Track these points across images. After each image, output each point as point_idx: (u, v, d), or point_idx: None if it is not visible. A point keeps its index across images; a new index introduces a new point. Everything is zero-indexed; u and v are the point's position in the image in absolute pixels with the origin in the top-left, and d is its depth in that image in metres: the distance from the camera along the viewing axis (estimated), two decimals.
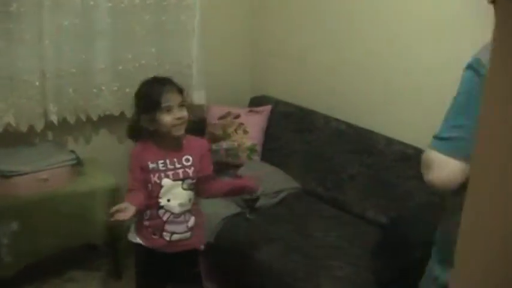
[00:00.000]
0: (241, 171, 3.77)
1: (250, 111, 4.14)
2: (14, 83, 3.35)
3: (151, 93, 2.56)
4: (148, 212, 2.64)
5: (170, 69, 3.82)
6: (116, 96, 3.72)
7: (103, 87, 3.66)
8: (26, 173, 3.25)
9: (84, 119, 3.67)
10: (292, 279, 2.93)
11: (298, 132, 3.95)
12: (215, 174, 2.89)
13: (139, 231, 2.71)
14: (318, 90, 4.01)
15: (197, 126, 4.06)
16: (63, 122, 3.61)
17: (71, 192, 3.38)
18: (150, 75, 3.77)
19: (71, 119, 3.61)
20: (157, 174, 2.59)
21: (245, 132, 4.03)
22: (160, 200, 2.61)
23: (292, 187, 3.75)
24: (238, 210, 3.48)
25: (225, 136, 4.03)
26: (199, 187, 2.73)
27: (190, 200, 2.69)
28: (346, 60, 3.75)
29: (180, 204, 2.64)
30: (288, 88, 4.25)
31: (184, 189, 2.65)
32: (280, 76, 4.36)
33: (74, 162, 3.44)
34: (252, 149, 4.01)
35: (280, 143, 4.02)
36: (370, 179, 3.48)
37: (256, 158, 4.02)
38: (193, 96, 4.01)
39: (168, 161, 2.61)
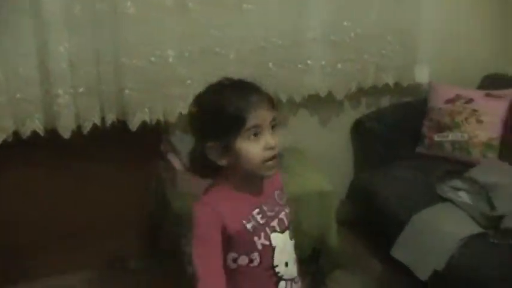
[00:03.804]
0: (476, 172, 3.03)
1: (487, 95, 3.33)
2: (204, 56, 2.85)
3: (229, 107, 1.59)
4: None
5: (392, 41, 3.23)
6: (323, 73, 3.14)
7: (309, 62, 3.08)
8: None
9: (284, 99, 3.11)
10: None
11: None
12: None
13: None
14: None
15: (417, 110, 3.44)
16: None
17: None
18: (366, 47, 3.23)
19: None
20: (262, 234, 1.69)
21: (479, 122, 3.25)
22: (277, 270, 1.73)
23: None
24: (479, 230, 2.74)
25: (453, 125, 3.28)
26: None
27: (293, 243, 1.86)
28: None
29: (294, 261, 1.82)
30: None
31: (292, 238, 1.80)
32: None
33: None
34: (488, 145, 3.22)
35: None
36: None
37: (492, 156, 3.23)
38: (415, 72, 3.34)
39: (264, 207, 1.72)
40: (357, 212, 3.45)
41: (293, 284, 1.79)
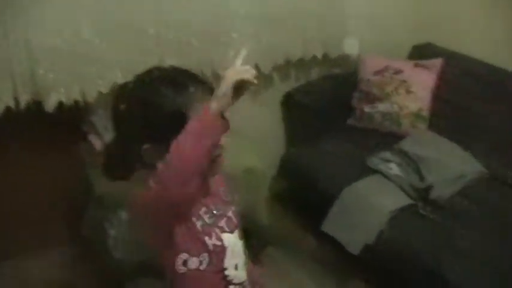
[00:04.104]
0: (406, 143, 3.01)
1: (416, 65, 3.30)
2: (121, 32, 2.70)
3: (165, 104, 1.41)
4: None
5: (318, 13, 3.13)
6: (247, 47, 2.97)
7: (233, 35, 2.96)
8: None
9: (208, 74, 2.96)
10: None
11: (480, 97, 3.10)
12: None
13: None
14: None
15: (347, 82, 3.38)
16: None
17: None
18: (292, 19, 3.10)
19: None
20: (214, 234, 1.53)
21: (409, 92, 3.22)
22: (227, 274, 1.57)
23: (476, 171, 2.93)
24: (409, 201, 2.72)
25: (383, 96, 3.24)
26: None
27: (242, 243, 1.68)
28: None
29: (245, 263, 1.65)
30: (466, 36, 3.36)
31: (241, 238, 1.65)
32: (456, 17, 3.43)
33: None
34: (417, 115, 3.20)
35: (456, 110, 3.18)
36: None
37: (422, 126, 3.21)
38: (344, 44, 3.27)
39: (211, 206, 1.56)
40: (289, 188, 3.40)
41: None
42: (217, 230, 1.54)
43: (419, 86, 3.23)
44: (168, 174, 1.32)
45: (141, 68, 2.83)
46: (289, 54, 3.20)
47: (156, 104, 1.40)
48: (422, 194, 2.72)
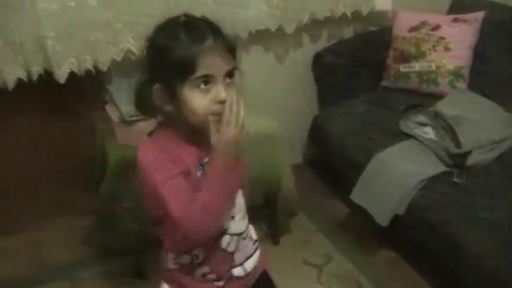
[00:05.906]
0: (443, 105, 2.79)
1: (455, 20, 3.04)
2: None
3: (178, 50, 1.39)
4: (200, 252, 1.57)
5: None
6: (271, 5, 2.82)
7: None
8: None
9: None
10: None
11: None
12: None
13: (187, 284, 1.64)
14: None
15: (381, 40, 3.17)
16: None
17: None
18: None
19: None
20: None
21: (447, 49, 2.98)
22: None
23: None
24: (442, 169, 2.53)
25: (419, 55, 3.01)
26: None
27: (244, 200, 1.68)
28: None
29: (244, 216, 1.65)
30: None
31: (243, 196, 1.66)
32: None
33: None
34: (456, 74, 2.96)
35: (498, 67, 2.95)
36: None
37: (462, 85, 2.98)
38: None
39: (206, 165, 1.52)
40: (319, 154, 3.25)
41: (240, 239, 1.62)
42: None
43: (459, 42, 2.98)
44: (193, 223, 1.41)
45: None
46: (316, 13, 2.98)
47: (171, 48, 1.40)
48: (458, 161, 2.53)
